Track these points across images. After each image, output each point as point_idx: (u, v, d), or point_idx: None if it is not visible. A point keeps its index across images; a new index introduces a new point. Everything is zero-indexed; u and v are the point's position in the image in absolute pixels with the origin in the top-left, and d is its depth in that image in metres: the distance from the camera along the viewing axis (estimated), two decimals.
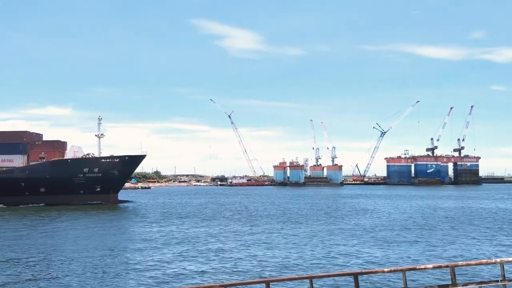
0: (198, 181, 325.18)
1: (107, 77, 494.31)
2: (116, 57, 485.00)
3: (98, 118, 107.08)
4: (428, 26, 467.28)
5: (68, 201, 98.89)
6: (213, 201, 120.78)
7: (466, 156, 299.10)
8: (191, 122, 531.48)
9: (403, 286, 17.08)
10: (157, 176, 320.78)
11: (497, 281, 18.10)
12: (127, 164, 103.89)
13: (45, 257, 39.71)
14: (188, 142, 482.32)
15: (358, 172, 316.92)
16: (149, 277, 32.74)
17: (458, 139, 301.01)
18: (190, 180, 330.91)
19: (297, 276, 23.03)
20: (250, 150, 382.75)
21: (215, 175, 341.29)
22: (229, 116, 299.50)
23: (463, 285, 17.91)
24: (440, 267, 18.86)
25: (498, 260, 18.36)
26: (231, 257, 39.55)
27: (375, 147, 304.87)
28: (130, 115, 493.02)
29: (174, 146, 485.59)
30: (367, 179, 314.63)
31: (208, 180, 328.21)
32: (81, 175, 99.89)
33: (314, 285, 16.48)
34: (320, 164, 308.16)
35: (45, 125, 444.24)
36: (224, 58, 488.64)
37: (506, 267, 19.22)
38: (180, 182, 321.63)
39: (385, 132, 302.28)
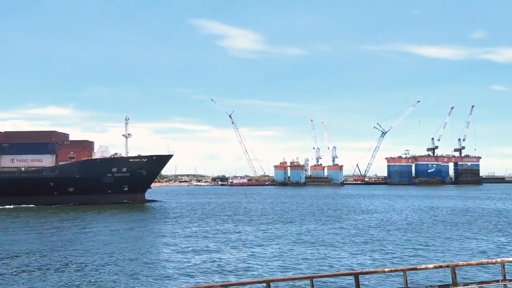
0: (198, 181, 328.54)
1: (107, 77, 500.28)
2: (116, 57, 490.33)
3: (125, 118, 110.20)
4: (429, 26, 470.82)
5: (96, 200, 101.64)
6: (233, 201, 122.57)
7: (467, 156, 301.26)
8: (191, 122, 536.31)
9: (403, 286, 17.18)
10: (157, 176, 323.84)
11: (498, 281, 18.04)
12: (155, 164, 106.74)
13: (78, 255, 41.31)
14: (189, 142, 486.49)
15: (359, 172, 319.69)
16: (181, 275, 33.84)
17: (459, 139, 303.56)
18: (190, 180, 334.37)
19: (297, 276, 23.29)
20: (250, 150, 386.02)
21: (215, 175, 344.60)
22: (230, 116, 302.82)
23: (463, 285, 17.82)
24: (440, 267, 18.76)
25: (499, 260, 18.27)
26: (265, 255, 41.05)
27: (376, 147, 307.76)
28: (131, 115, 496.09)
29: (174, 146, 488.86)
30: (367, 179, 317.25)
31: (209, 180, 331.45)
32: (110, 175, 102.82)
33: (314, 285, 16.69)
34: (321, 164, 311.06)
35: (46, 125, 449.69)
36: (224, 58, 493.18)
37: (507, 267, 19.61)
38: (180, 182, 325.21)
39: (385, 132, 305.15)
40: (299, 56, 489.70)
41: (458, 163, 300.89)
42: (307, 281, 20.72)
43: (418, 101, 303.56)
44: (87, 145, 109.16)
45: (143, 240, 51.76)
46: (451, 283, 17.27)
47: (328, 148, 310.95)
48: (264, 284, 16.55)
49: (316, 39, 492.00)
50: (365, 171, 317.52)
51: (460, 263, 19.73)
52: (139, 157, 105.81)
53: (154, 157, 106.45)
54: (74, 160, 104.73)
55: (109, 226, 64.29)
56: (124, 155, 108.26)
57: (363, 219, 72.95)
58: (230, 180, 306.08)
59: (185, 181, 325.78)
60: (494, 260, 19.49)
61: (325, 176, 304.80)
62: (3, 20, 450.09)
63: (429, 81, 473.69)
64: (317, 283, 29.38)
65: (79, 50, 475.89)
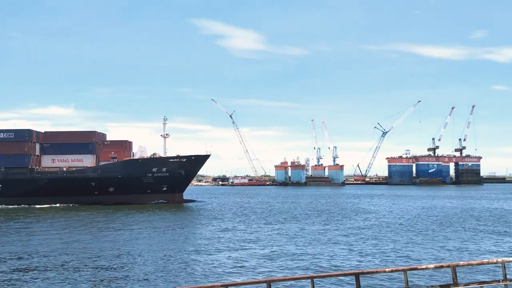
0: (199, 180, 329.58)
1: (108, 77, 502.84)
2: (117, 56, 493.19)
3: (164, 118, 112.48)
4: (430, 26, 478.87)
5: (135, 200, 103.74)
6: (263, 201, 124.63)
7: (468, 156, 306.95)
8: (192, 122, 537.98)
9: (404, 286, 17.38)
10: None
11: (499, 281, 18.27)
12: (193, 164, 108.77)
13: (122, 255, 42.34)
14: (190, 142, 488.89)
15: (360, 172, 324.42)
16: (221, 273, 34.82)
17: (460, 139, 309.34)
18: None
19: (298, 276, 23.74)
20: (251, 150, 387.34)
21: (216, 175, 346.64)
22: (231, 116, 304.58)
23: (464, 285, 18.02)
24: (441, 267, 18.89)
25: (499, 260, 18.34)
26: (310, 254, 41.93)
27: (377, 147, 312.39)
28: (132, 115, 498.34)
29: (175, 146, 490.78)
30: (368, 179, 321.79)
31: (210, 180, 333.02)
32: (150, 175, 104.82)
33: (314, 285, 16.98)
34: (322, 164, 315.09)
35: (47, 124, 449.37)
36: (225, 58, 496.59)
37: (508, 267, 20.23)
38: None
39: (386, 132, 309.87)
40: (300, 56, 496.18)
41: (459, 163, 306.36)
42: (308, 281, 21.64)
43: (419, 101, 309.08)
44: (127, 145, 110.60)
45: (190, 240, 52.56)
46: (451, 283, 17.44)
47: (329, 148, 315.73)
48: (265, 285, 16.80)
49: (317, 39, 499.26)
50: (366, 171, 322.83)
51: (461, 263, 19.74)
52: (178, 157, 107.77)
53: (193, 157, 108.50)
54: (116, 160, 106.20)
55: (154, 225, 65.75)
56: (162, 155, 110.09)
57: (363, 219, 74.22)
58: (231, 180, 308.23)
59: None
60: (495, 260, 19.64)
61: (325, 176, 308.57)
62: (3, 20, 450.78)
63: (430, 81, 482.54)
64: (318, 283, 30.08)
65: (79, 50, 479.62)
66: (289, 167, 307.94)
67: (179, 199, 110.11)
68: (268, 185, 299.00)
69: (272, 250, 44.46)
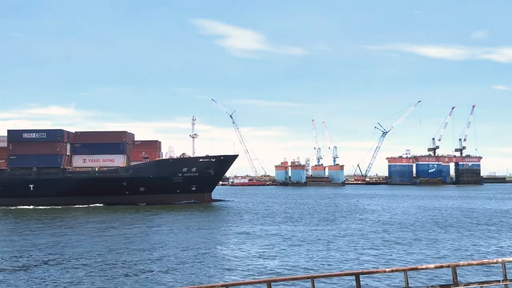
0: None
1: (109, 77, 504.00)
2: (117, 56, 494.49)
3: (192, 119, 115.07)
4: (430, 26, 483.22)
5: (165, 200, 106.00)
6: (286, 202, 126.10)
7: (468, 156, 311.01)
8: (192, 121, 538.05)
9: (404, 286, 17.55)
10: None
11: (499, 281, 18.43)
12: (222, 164, 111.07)
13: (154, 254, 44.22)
14: (190, 142, 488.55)
15: (360, 172, 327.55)
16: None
17: (460, 139, 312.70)
18: None
19: (298, 276, 24.22)
20: (251, 150, 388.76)
21: None
22: (231, 116, 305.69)
23: (464, 285, 18.21)
24: (441, 267, 19.14)
25: (500, 260, 18.54)
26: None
27: (377, 147, 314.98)
28: (132, 115, 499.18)
29: (175, 146, 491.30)
30: (368, 179, 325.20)
31: None
32: (180, 175, 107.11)
33: (315, 285, 17.20)
34: (322, 164, 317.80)
35: (47, 125, 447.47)
36: (225, 58, 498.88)
37: (508, 267, 20.26)
38: None
39: (386, 132, 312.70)
40: (300, 56, 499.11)
41: (459, 163, 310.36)
42: (308, 281, 21.84)
43: (419, 101, 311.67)
44: (157, 145, 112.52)
45: (223, 238, 54.35)
46: (452, 283, 17.64)
47: (329, 148, 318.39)
48: (265, 285, 17.08)
49: (317, 39, 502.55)
50: (366, 171, 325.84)
51: (461, 263, 20.03)
52: (208, 157, 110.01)
53: (222, 157, 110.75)
54: (148, 160, 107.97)
55: (192, 224, 67.92)
56: (190, 155, 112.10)
57: (364, 219, 75.47)
58: (231, 180, 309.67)
59: None
60: (495, 260, 19.88)
61: (326, 176, 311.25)
62: (4, 20, 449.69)
63: (430, 81, 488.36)
64: (318, 283, 30.50)
65: (80, 50, 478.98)
66: (289, 167, 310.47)
67: (207, 199, 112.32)
68: (268, 185, 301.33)
69: (301, 249, 45.87)
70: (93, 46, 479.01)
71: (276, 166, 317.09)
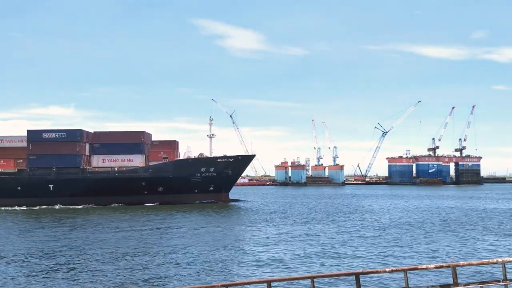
0: None
1: (109, 77, 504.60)
2: (117, 56, 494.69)
3: (210, 119, 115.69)
4: (430, 26, 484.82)
5: (183, 200, 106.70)
6: (303, 202, 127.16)
7: (468, 156, 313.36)
8: (192, 122, 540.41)
9: (404, 286, 17.68)
10: None
11: (499, 281, 18.57)
12: (240, 164, 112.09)
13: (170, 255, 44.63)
14: (190, 142, 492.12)
15: (360, 172, 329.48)
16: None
17: (460, 139, 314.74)
18: None
19: (298, 276, 24.39)
20: (251, 150, 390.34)
21: None
22: (231, 116, 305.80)
23: (464, 285, 18.34)
24: (441, 267, 19.34)
25: (500, 260, 18.67)
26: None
27: (377, 147, 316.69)
28: (132, 115, 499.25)
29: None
30: (368, 179, 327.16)
31: None
32: (198, 175, 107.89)
33: (315, 284, 17.27)
34: (322, 164, 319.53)
35: (47, 125, 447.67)
36: (225, 58, 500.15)
37: (508, 267, 20.38)
38: None
39: (386, 132, 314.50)
40: (300, 56, 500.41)
41: (459, 163, 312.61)
42: (308, 281, 22.08)
43: (419, 101, 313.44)
44: (175, 145, 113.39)
45: (240, 237, 55.36)
46: (452, 283, 17.78)
47: (329, 148, 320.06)
48: (265, 284, 17.25)
49: (317, 39, 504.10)
50: (366, 171, 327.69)
51: (461, 263, 20.17)
52: (225, 157, 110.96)
53: (240, 157, 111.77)
54: (167, 160, 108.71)
55: (212, 224, 69.29)
56: (208, 155, 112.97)
57: (365, 218, 76.04)
58: None
59: None
60: (495, 260, 20.03)
61: (326, 176, 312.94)
62: (4, 20, 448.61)
63: (430, 81, 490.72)
64: (318, 283, 30.80)
65: (80, 50, 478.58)
66: (289, 167, 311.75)
67: (225, 198, 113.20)
68: (268, 185, 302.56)
69: (318, 249, 46.72)
70: (93, 46, 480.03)
71: (276, 166, 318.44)
